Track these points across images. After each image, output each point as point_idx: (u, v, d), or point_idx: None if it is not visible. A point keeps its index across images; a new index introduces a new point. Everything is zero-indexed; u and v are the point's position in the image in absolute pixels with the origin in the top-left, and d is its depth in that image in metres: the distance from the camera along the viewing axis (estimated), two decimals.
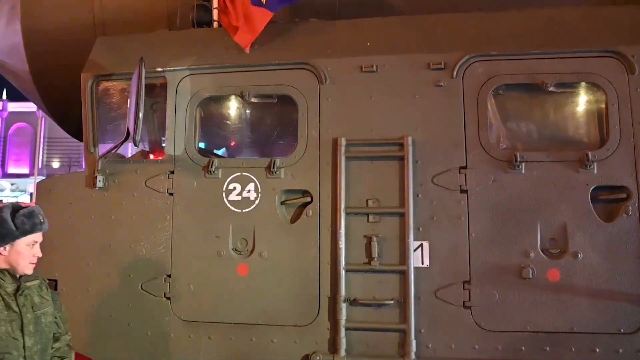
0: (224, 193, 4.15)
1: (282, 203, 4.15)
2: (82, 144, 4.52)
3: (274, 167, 4.06)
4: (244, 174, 4.15)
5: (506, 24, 4.05)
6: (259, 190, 4.11)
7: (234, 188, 4.14)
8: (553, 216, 3.80)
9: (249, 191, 4.11)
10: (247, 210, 4.12)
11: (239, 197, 4.14)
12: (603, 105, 3.88)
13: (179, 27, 4.67)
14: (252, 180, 4.12)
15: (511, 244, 3.82)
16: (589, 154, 3.76)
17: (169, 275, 4.18)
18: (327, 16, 4.47)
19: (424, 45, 4.08)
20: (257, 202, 4.11)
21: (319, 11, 4.58)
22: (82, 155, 4.27)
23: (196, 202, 4.20)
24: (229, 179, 4.16)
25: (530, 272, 3.77)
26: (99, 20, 5.17)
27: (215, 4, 4.50)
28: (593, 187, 3.79)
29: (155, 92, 4.50)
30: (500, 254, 3.83)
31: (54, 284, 4.37)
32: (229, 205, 4.14)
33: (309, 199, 4.09)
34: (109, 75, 4.47)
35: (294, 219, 4.13)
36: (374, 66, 4.08)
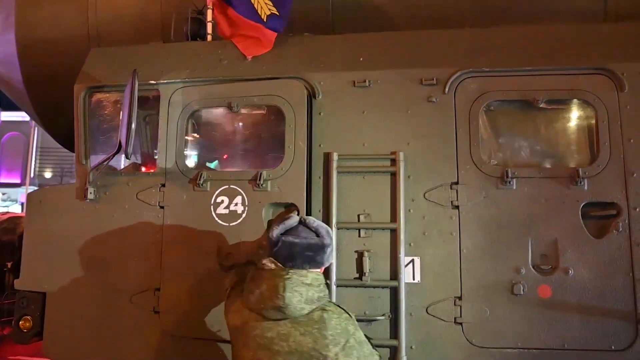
0: (212, 206, 4.17)
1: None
2: (74, 154, 4.54)
3: (260, 180, 4.08)
4: (231, 186, 4.16)
5: (498, 40, 4.09)
6: (246, 204, 4.12)
7: (222, 201, 4.15)
8: (544, 232, 3.83)
9: (236, 204, 4.12)
10: (234, 224, 4.13)
11: (227, 211, 4.14)
12: (593, 122, 3.92)
13: (173, 40, 4.73)
14: (239, 193, 4.14)
15: (502, 260, 3.85)
16: (580, 170, 3.81)
17: (158, 289, 4.19)
18: (321, 31, 4.53)
19: (416, 60, 4.13)
20: (244, 215, 4.12)
21: (313, 26, 4.65)
22: (74, 166, 4.28)
23: (186, 215, 4.20)
24: (217, 192, 4.17)
25: (522, 288, 3.80)
26: (94, 31, 5.24)
27: (209, 17, 4.57)
28: (584, 204, 3.82)
29: (148, 105, 4.51)
30: (491, 269, 3.86)
31: (42, 297, 4.43)
32: (217, 218, 4.15)
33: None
34: (102, 86, 4.50)
35: None
36: (367, 81, 4.13)
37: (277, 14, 4.29)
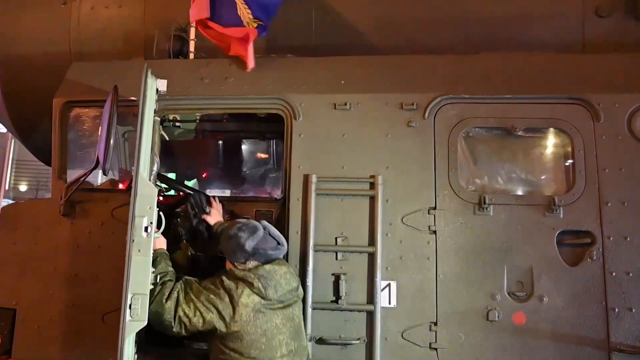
0: None
1: None
2: (51, 168, 4.55)
3: None
4: None
5: (478, 67, 4.21)
6: None
7: None
8: (520, 259, 3.92)
9: None
10: None
11: None
12: (570, 151, 4.04)
13: (155, 57, 4.75)
14: None
15: (478, 286, 3.93)
16: (556, 198, 3.91)
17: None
18: (303, 53, 4.59)
19: (397, 85, 4.21)
20: None
21: (295, 48, 4.72)
22: (50, 180, 4.29)
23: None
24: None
25: (497, 314, 3.88)
26: (76, 47, 5.28)
27: (192, 35, 4.61)
28: (559, 232, 3.92)
29: (128, 121, 4.58)
30: (467, 295, 3.92)
31: (11, 313, 4.37)
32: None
33: None
34: (82, 101, 4.52)
35: None
36: (347, 104, 4.19)
37: (262, 23, 4.35)
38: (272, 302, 3.51)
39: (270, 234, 3.68)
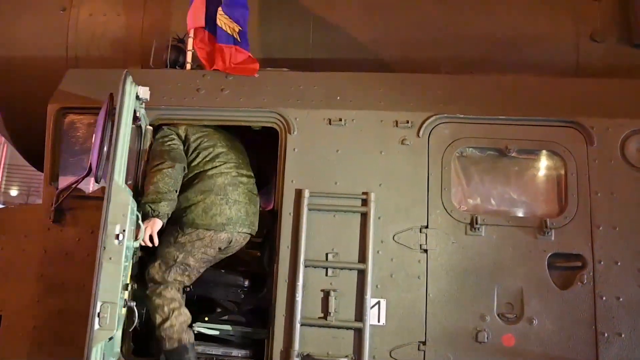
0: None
1: None
2: (42, 174, 4.54)
3: None
4: None
5: (473, 87, 4.26)
6: None
7: None
8: (510, 281, 3.95)
9: None
10: None
11: None
12: (562, 173, 4.09)
13: (151, 66, 4.77)
14: None
15: (468, 307, 3.94)
16: (547, 221, 3.95)
17: None
18: (299, 68, 4.63)
19: (392, 102, 4.26)
20: None
21: (292, 62, 4.76)
22: (42, 185, 4.30)
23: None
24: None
25: (486, 336, 3.89)
26: (72, 53, 5.31)
27: (190, 46, 4.65)
28: (550, 254, 3.96)
29: None
30: (457, 315, 3.94)
31: None
32: None
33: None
34: (76, 108, 4.54)
35: None
36: (342, 120, 4.25)
37: (241, 28, 4.46)
38: None
39: None
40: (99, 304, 3.36)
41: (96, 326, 3.33)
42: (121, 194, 3.59)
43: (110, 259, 3.43)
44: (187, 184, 4.21)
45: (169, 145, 4.20)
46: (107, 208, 3.49)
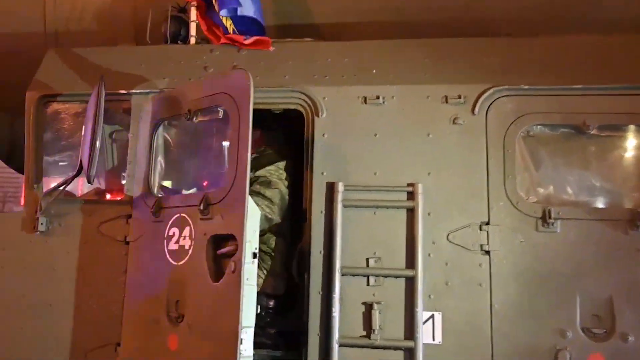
0: (165, 241, 3.83)
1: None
2: (21, 176, 4.36)
3: (205, 206, 3.60)
4: (181, 215, 3.80)
5: (540, 52, 3.95)
6: (193, 237, 3.70)
7: (173, 234, 3.81)
8: (596, 287, 3.59)
9: (184, 237, 3.75)
10: (181, 262, 3.73)
11: (176, 246, 3.80)
12: None
13: (148, 42, 4.54)
14: (188, 224, 3.73)
15: (544, 320, 3.60)
16: None
17: (119, 344, 3.87)
18: (326, 37, 4.41)
19: (440, 74, 3.98)
20: (190, 251, 3.70)
21: (316, 30, 4.54)
22: (20, 189, 4.28)
23: (146, 252, 3.92)
24: (170, 223, 3.84)
25: (568, 356, 3.52)
26: (51, 28, 5.06)
27: (193, 16, 4.45)
28: None
29: (117, 119, 4.39)
30: (530, 331, 3.60)
31: None
32: (168, 257, 3.80)
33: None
34: (60, 95, 4.35)
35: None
36: (380, 97, 3.96)
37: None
38: None
39: None
40: (243, 332, 3.30)
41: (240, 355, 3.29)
42: (252, 208, 3.51)
43: (247, 279, 3.36)
44: None
45: None
46: (243, 224, 3.36)
